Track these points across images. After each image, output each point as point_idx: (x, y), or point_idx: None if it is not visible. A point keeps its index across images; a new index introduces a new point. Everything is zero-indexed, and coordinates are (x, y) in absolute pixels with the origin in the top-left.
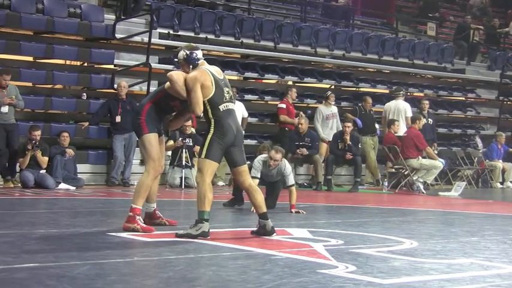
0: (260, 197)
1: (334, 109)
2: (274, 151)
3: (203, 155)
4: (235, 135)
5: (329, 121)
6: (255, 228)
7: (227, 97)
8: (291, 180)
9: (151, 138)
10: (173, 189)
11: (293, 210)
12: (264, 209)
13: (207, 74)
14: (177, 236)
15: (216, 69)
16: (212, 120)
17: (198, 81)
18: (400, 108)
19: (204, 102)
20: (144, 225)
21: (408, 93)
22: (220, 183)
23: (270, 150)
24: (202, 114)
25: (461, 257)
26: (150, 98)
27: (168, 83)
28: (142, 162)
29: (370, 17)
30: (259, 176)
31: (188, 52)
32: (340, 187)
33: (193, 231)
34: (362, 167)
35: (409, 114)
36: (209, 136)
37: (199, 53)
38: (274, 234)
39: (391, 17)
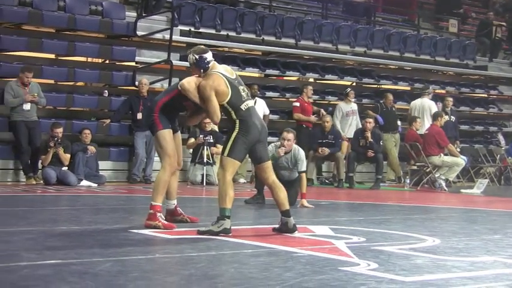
0: (283, 194)
1: (354, 106)
2: (286, 131)
3: (226, 153)
4: (260, 132)
5: (349, 118)
6: (276, 226)
7: (244, 96)
8: (303, 166)
9: (166, 134)
10: (195, 186)
11: (304, 202)
12: (287, 206)
13: (220, 78)
14: (199, 233)
15: (226, 69)
16: (237, 121)
17: (212, 89)
18: (425, 107)
19: (224, 106)
20: (166, 222)
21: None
22: (242, 180)
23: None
24: (218, 120)
25: (484, 255)
26: (163, 95)
27: (181, 84)
28: None
29: (391, 14)
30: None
31: (197, 56)
32: (362, 184)
33: (215, 228)
34: (383, 164)
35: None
36: (234, 134)
37: (209, 56)
38: (296, 231)
39: (412, 14)
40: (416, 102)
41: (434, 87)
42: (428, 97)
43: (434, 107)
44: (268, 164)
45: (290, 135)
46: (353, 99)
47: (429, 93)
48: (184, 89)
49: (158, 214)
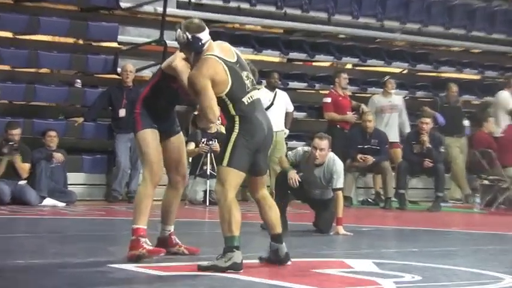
0: (275, 213)
1: (396, 100)
2: (318, 138)
3: (225, 162)
4: (265, 135)
5: (384, 115)
6: (264, 254)
7: (248, 84)
8: (339, 182)
9: (147, 135)
10: (194, 206)
11: (340, 230)
12: (278, 230)
13: (217, 63)
14: (200, 269)
15: (224, 48)
16: (236, 117)
17: (207, 78)
18: (499, 101)
19: (221, 98)
20: (151, 248)
21: (504, 80)
22: None
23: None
24: (214, 119)
25: None
26: (146, 84)
27: (166, 63)
28: None
29: None
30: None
31: (190, 36)
32: (416, 204)
33: (222, 262)
34: (445, 177)
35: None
36: (233, 136)
37: (205, 36)
38: (289, 262)
39: None
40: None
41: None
42: (508, 88)
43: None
44: (265, 178)
45: (324, 143)
46: (393, 91)
47: (508, 82)
48: (174, 68)
49: (142, 240)
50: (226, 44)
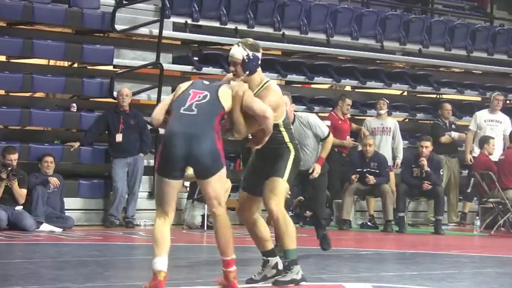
0: (267, 230)
1: (389, 122)
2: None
3: (285, 177)
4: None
5: (375, 137)
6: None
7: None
8: (324, 129)
9: None
10: (192, 231)
11: (316, 168)
12: (272, 245)
13: (279, 95)
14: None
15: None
16: (290, 144)
17: (281, 105)
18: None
19: (278, 125)
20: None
21: (507, 101)
22: None
23: None
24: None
25: None
26: (213, 120)
27: (263, 110)
28: (151, 195)
29: (455, 0)
30: None
31: (251, 54)
32: (416, 228)
33: (294, 275)
34: (445, 200)
35: (469, 127)
36: (291, 157)
37: (260, 56)
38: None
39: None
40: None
41: None
42: (492, 108)
43: (509, 124)
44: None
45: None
46: (384, 112)
47: (490, 101)
48: (268, 117)
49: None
50: None
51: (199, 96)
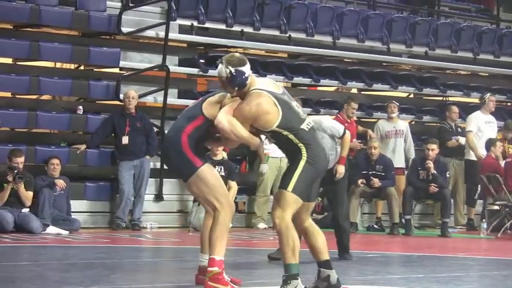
0: (323, 239)
1: (401, 125)
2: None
3: (290, 188)
4: (327, 162)
5: (390, 140)
6: (312, 284)
7: (301, 113)
8: (339, 128)
9: (208, 170)
10: (198, 233)
11: (339, 168)
12: (327, 256)
13: (266, 97)
14: None
15: (267, 82)
16: (302, 145)
17: (253, 114)
18: (466, 122)
19: (276, 132)
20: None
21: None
22: (262, 225)
23: None
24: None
25: None
26: (186, 122)
27: (208, 109)
28: (157, 198)
29: (462, 2)
30: None
31: (233, 70)
32: (423, 230)
33: None
34: (452, 203)
35: (468, 128)
36: (301, 163)
37: (247, 69)
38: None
39: (490, 1)
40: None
41: None
42: (484, 109)
43: (469, 124)
44: (312, 205)
45: None
46: (394, 115)
47: (483, 101)
48: (224, 130)
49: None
50: (267, 79)
51: (192, 103)
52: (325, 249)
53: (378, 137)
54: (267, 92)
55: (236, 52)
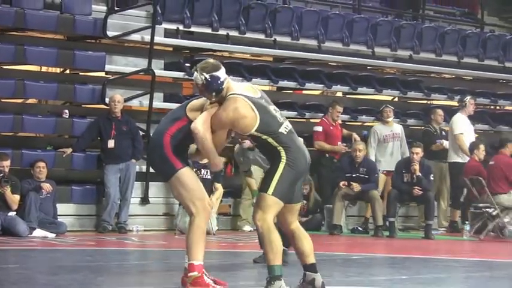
0: (309, 243)
1: (397, 128)
2: None
3: (270, 191)
4: (307, 164)
5: (388, 144)
6: (297, 286)
7: (279, 116)
8: None
9: (187, 173)
10: (184, 236)
11: None
12: (313, 259)
13: (243, 102)
14: None
15: (246, 86)
16: (281, 149)
17: (230, 119)
18: (451, 124)
19: (256, 136)
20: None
21: (497, 107)
22: (247, 227)
23: None
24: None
25: None
26: (169, 123)
27: (194, 127)
28: (143, 201)
29: (446, 6)
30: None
31: (208, 76)
32: (407, 232)
33: None
34: (435, 205)
35: (456, 131)
36: (281, 166)
37: (222, 74)
38: None
39: (474, 5)
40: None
41: (503, 102)
42: (465, 111)
43: (457, 126)
44: (298, 206)
45: None
46: (390, 119)
47: (464, 105)
48: (198, 137)
49: (205, 276)
50: (247, 83)
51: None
52: (311, 253)
53: (376, 141)
54: (244, 96)
55: (221, 56)
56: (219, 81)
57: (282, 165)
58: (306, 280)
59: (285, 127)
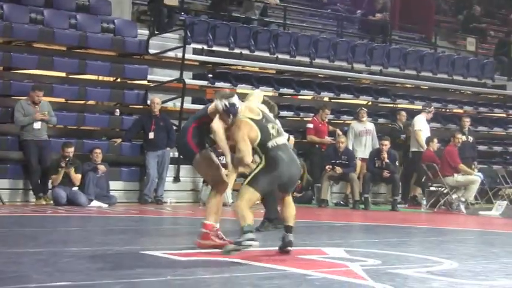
0: (291, 211)
1: (369, 126)
2: None
3: (246, 182)
4: (289, 170)
5: (362, 138)
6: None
7: (273, 133)
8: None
9: (206, 155)
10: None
11: None
12: (291, 223)
13: (250, 124)
14: (224, 253)
15: (252, 109)
16: (263, 155)
17: (245, 134)
18: (413, 122)
19: (253, 147)
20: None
21: (447, 110)
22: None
23: None
24: (250, 161)
25: (503, 278)
26: (195, 118)
27: (211, 110)
28: (175, 180)
29: (408, 32)
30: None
31: (228, 103)
32: (378, 206)
33: (241, 239)
34: (400, 184)
35: (416, 127)
36: (259, 166)
37: (236, 100)
38: (289, 248)
39: (429, 32)
40: (422, 119)
41: (451, 106)
42: (426, 115)
43: (417, 123)
44: (289, 191)
45: None
46: (364, 118)
47: (428, 111)
48: (214, 131)
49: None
50: (253, 105)
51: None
52: (290, 218)
53: (353, 135)
54: (250, 119)
55: (236, 69)
56: (235, 107)
57: (260, 166)
58: (283, 238)
59: (273, 143)
